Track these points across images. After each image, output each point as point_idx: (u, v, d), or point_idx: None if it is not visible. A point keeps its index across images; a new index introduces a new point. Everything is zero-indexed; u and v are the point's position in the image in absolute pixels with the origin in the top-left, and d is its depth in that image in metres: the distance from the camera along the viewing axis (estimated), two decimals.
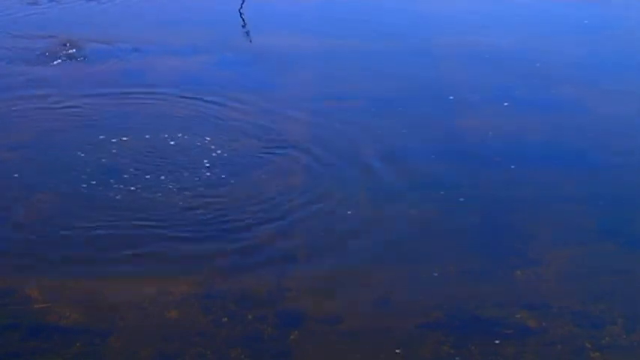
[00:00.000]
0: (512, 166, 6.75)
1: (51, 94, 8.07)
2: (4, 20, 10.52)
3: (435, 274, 5.34)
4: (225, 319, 4.89)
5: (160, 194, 6.20)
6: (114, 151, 6.87)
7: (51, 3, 11.16)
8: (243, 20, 10.69)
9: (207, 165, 6.61)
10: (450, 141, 7.21)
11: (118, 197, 6.15)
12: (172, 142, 7.00)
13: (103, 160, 6.70)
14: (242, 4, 10.93)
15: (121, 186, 6.31)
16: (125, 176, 6.44)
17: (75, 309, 4.95)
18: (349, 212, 6.02)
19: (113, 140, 7.03)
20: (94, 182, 6.36)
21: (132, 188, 6.27)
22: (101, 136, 7.11)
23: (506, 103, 7.93)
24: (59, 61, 9.03)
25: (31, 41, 9.64)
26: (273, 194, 6.22)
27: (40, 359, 4.58)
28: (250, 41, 10.07)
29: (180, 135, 7.11)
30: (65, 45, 9.43)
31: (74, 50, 9.33)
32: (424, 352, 4.67)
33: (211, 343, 4.70)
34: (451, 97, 8.10)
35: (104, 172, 6.52)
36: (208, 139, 7.03)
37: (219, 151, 6.84)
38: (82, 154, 6.80)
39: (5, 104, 7.88)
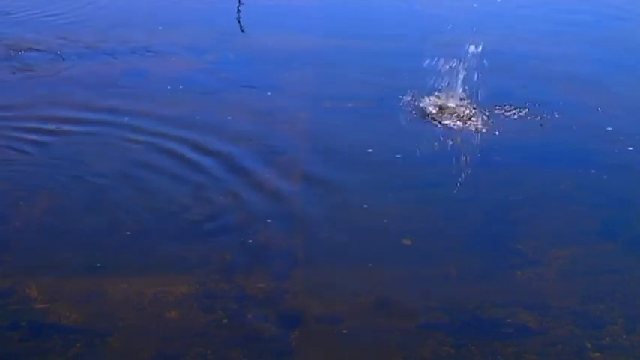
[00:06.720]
0: (513, 166, 6.75)
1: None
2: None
3: (436, 274, 5.34)
4: (225, 319, 4.90)
5: (162, 197, 6.22)
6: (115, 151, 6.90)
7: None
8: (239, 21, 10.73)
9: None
10: (450, 140, 7.20)
11: (117, 197, 6.17)
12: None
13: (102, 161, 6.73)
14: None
15: (121, 185, 6.33)
16: (125, 176, 6.47)
17: (75, 309, 4.95)
18: (348, 212, 6.02)
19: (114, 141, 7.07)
20: (95, 182, 6.38)
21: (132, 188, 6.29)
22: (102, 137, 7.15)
23: (504, 102, 7.91)
24: (73, 63, 9.04)
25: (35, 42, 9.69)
26: (271, 197, 6.24)
27: (40, 359, 4.59)
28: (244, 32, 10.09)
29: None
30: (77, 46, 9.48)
31: (85, 51, 9.37)
32: (424, 352, 4.67)
33: (211, 343, 4.70)
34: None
35: (104, 171, 6.55)
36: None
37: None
38: (84, 155, 6.83)
39: None
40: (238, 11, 11.14)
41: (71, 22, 10.37)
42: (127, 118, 7.45)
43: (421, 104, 7.80)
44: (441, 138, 7.22)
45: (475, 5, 11.50)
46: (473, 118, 7.55)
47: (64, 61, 9.02)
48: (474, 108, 7.72)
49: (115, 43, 9.58)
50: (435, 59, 9.03)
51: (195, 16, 10.90)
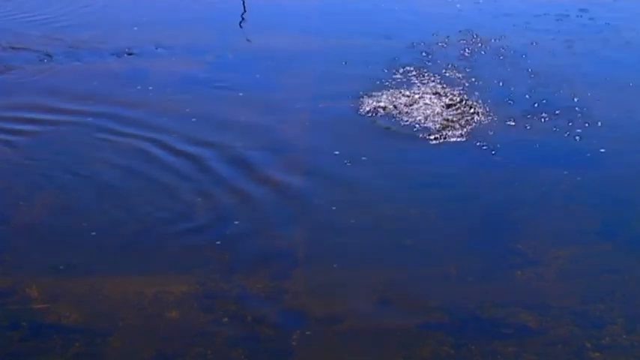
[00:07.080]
0: (513, 166, 6.75)
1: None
2: None
3: (436, 274, 5.35)
4: (225, 319, 4.90)
5: (161, 195, 6.22)
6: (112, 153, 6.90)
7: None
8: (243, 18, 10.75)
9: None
10: (449, 140, 7.20)
11: (118, 196, 6.18)
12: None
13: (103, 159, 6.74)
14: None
15: (121, 185, 6.34)
16: (125, 175, 6.48)
17: (75, 309, 4.96)
18: (348, 213, 6.02)
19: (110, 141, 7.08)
20: (94, 182, 6.40)
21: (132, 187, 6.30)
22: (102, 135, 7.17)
23: (507, 102, 7.92)
24: (59, 63, 9.04)
25: (32, 43, 9.70)
26: (270, 196, 6.24)
27: (40, 359, 4.59)
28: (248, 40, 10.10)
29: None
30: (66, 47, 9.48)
31: (73, 52, 9.37)
32: (424, 352, 4.68)
33: (211, 343, 4.70)
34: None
35: (104, 171, 6.56)
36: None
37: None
38: (84, 155, 6.84)
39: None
40: (244, 10, 11.14)
41: (66, 25, 10.38)
42: (106, 116, 7.54)
43: (421, 104, 7.80)
44: (441, 138, 7.21)
45: (458, 6, 11.49)
46: (471, 118, 7.55)
47: (52, 61, 9.04)
48: (472, 108, 7.73)
49: (110, 44, 9.60)
50: (434, 59, 9.06)
51: (195, 17, 10.91)
